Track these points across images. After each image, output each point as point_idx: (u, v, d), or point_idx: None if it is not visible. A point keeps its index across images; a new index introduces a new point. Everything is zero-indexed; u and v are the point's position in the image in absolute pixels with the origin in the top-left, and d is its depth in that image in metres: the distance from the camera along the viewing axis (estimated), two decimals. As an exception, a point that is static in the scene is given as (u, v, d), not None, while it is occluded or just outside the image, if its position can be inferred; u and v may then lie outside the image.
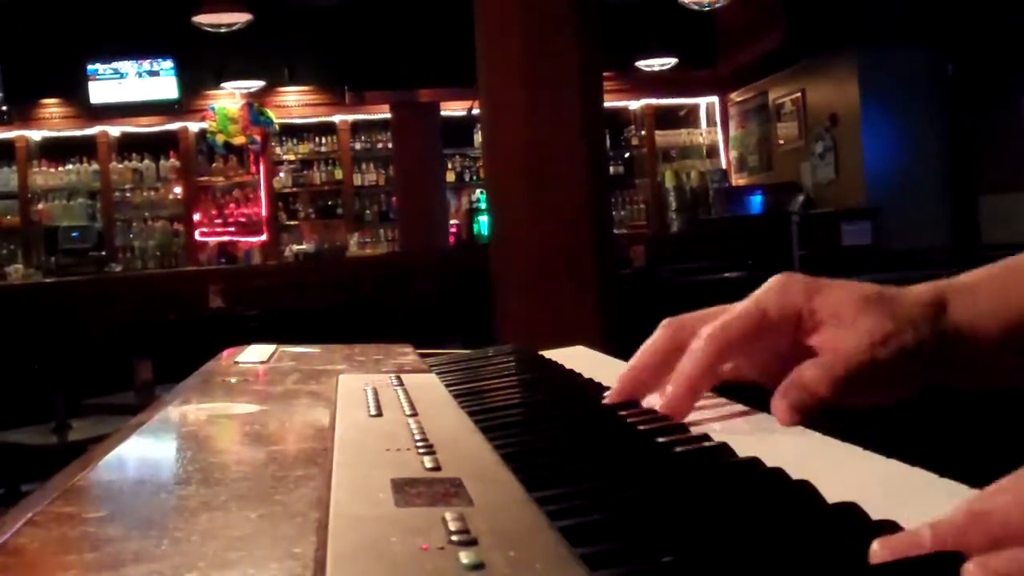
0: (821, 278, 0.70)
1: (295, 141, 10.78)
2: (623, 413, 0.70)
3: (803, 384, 0.65)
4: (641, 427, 0.66)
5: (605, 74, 5.45)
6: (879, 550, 0.40)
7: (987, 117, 8.10)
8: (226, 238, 10.51)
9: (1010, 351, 0.68)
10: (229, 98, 10.17)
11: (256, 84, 10.01)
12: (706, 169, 11.26)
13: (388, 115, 10.38)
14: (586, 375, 0.89)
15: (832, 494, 0.48)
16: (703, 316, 0.73)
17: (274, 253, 10.44)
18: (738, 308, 0.70)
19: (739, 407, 0.71)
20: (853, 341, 0.66)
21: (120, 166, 10.40)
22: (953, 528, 0.40)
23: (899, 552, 0.40)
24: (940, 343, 0.67)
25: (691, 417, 0.68)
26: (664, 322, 0.75)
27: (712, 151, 11.46)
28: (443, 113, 10.24)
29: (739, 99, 10.96)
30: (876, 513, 0.45)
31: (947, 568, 0.38)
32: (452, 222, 10.75)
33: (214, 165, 10.55)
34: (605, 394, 0.75)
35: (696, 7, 8.26)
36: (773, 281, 0.70)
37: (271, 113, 10.22)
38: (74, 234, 9.82)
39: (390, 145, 10.58)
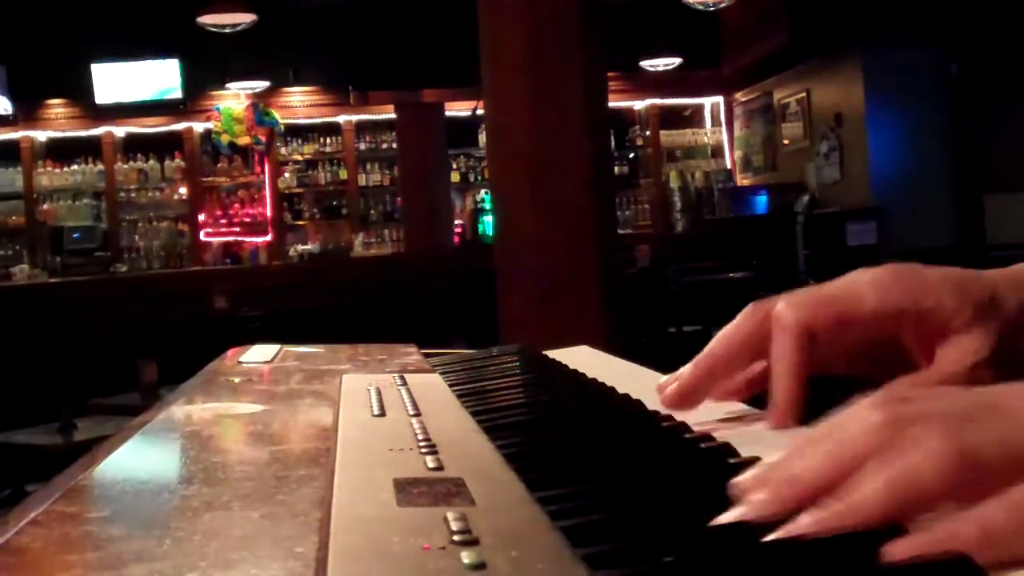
0: (933, 270, 0.64)
1: (300, 141, 10.79)
2: (624, 413, 0.70)
3: None
4: (643, 427, 0.66)
5: (610, 74, 5.45)
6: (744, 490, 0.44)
7: (992, 117, 8.08)
8: (231, 238, 10.53)
9: None
10: (234, 98, 10.18)
11: (261, 84, 10.02)
12: (711, 169, 11.26)
13: (393, 115, 10.38)
14: (590, 375, 0.89)
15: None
16: (792, 297, 0.66)
17: (279, 253, 10.44)
18: (831, 289, 0.64)
19: (740, 406, 0.71)
20: (957, 359, 0.61)
21: (125, 166, 10.42)
22: (770, 493, 0.43)
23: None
24: None
25: (693, 417, 0.68)
26: (749, 307, 0.68)
27: (717, 151, 11.45)
28: (448, 113, 10.25)
29: (744, 99, 10.95)
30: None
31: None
32: (457, 222, 10.75)
33: (219, 165, 10.56)
34: (666, 383, 0.69)
35: (701, 7, 8.26)
36: (883, 271, 0.64)
37: (276, 113, 10.23)
38: (76, 235, 9.83)
39: (395, 145, 10.59)
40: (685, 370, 0.68)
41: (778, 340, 0.63)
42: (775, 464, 0.45)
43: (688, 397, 0.68)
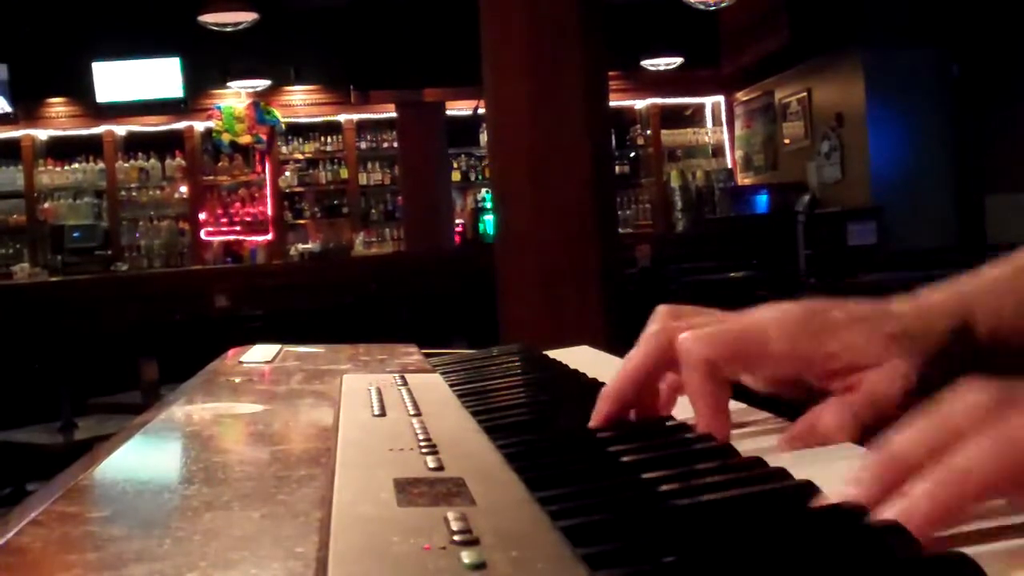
0: (841, 310, 0.64)
1: (301, 140, 10.79)
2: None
3: (821, 431, 0.61)
4: (643, 427, 0.66)
5: (610, 73, 5.45)
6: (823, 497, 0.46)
7: (993, 117, 8.08)
8: (232, 237, 10.53)
9: None
10: (235, 97, 10.18)
11: (262, 83, 10.02)
12: (712, 169, 11.25)
13: (394, 114, 10.38)
14: (591, 375, 0.89)
15: (835, 494, 0.48)
16: (697, 313, 0.68)
17: (279, 252, 10.44)
18: (740, 324, 0.65)
19: (742, 406, 0.71)
20: (884, 385, 0.62)
21: (126, 165, 10.41)
22: (870, 476, 0.45)
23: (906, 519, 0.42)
24: (972, 361, 0.64)
25: (694, 417, 0.68)
26: (657, 312, 0.69)
27: (718, 151, 11.44)
28: (448, 112, 10.25)
29: (745, 99, 10.95)
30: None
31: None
32: (457, 221, 10.75)
33: (220, 164, 10.56)
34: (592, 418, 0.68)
35: (701, 6, 8.25)
36: (788, 315, 0.64)
37: (277, 112, 10.23)
38: (76, 234, 9.83)
39: (395, 144, 10.58)
40: (599, 401, 0.68)
41: (688, 376, 0.64)
42: (918, 450, 0.45)
43: (608, 422, 0.67)
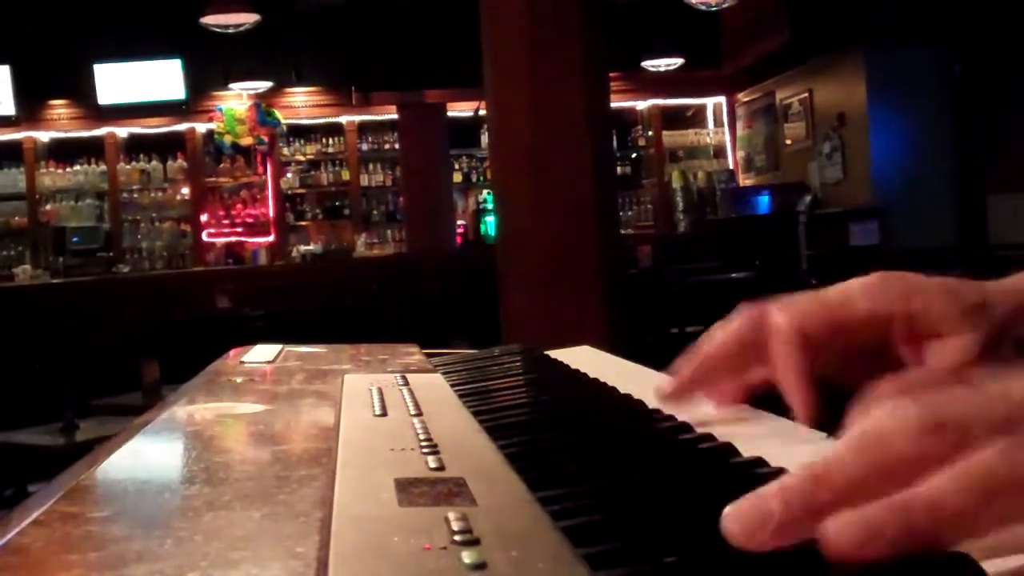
0: (922, 277, 0.65)
1: (302, 142, 10.80)
2: (626, 413, 0.70)
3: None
4: (644, 427, 0.66)
5: (611, 74, 5.45)
6: (731, 523, 0.40)
7: (995, 117, 8.08)
8: (233, 239, 10.53)
9: None
10: (236, 99, 10.18)
11: (263, 85, 10.02)
12: (713, 169, 11.25)
13: (395, 116, 10.38)
14: (592, 375, 0.89)
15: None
16: (785, 302, 0.67)
17: (281, 254, 10.45)
18: (824, 295, 0.65)
19: (743, 407, 0.71)
20: (944, 358, 0.62)
21: (128, 167, 10.42)
22: (799, 493, 0.40)
23: (751, 528, 0.40)
24: None
25: (696, 417, 0.68)
26: (744, 310, 0.69)
27: (719, 151, 11.44)
28: (450, 114, 10.25)
29: (746, 99, 10.95)
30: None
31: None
32: (459, 222, 10.76)
33: (221, 166, 10.56)
34: (666, 382, 0.70)
35: (702, 7, 8.25)
36: (873, 277, 0.65)
37: (278, 114, 10.23)
38: (77, 236, 9.83)
39: (397, 146, 10.59)
40: (681, 366, 0.68)
41: (779, 349, 0.64)
42: (803, 469, 0.43)
43: (684, 392, 0.69)
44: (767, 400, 0.67)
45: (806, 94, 9.58)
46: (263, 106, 10.12)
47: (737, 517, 0.40)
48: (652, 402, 0.72)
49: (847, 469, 0.40)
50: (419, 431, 0.61)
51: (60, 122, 10.13)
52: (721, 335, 0.68)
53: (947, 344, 0.63)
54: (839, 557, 0.38)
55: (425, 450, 0.56)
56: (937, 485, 0.38)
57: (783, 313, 0.64)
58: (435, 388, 0.81)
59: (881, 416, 0.42)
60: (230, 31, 8.39)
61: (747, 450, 0.58)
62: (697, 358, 0.68)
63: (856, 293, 0.64)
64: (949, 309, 0.63)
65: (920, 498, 0.38)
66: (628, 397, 0.75)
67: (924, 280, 0.65)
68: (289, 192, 10.77)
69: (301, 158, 10.81)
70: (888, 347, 0.64)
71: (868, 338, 0.64)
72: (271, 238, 10.55)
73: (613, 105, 5.47)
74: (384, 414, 0.68)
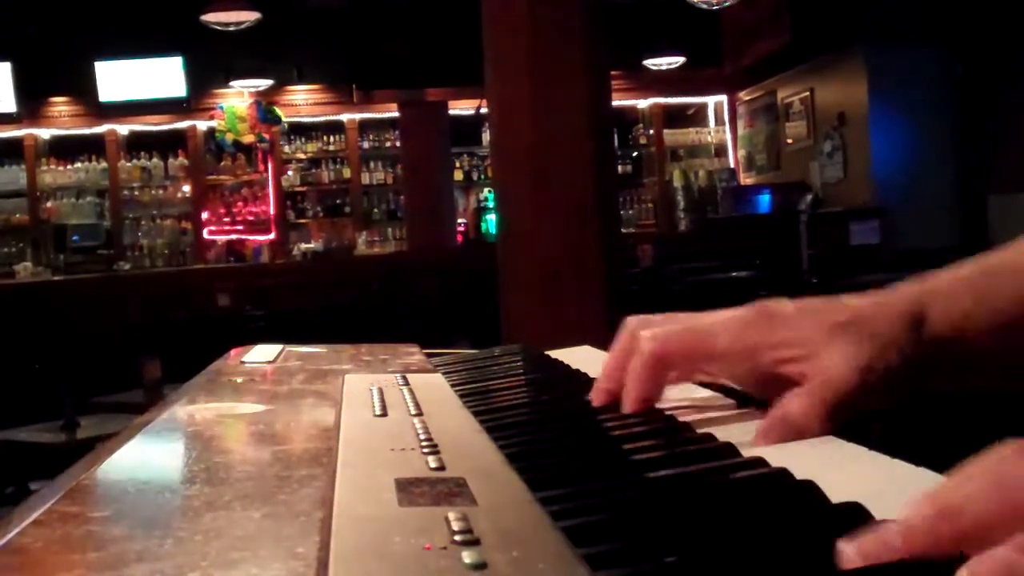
0: (792, 304, 0.68)
1: (303, 140, 10.79)
2: (626, 413, 0.70)
3: (791, 419, 0.63)
4: (645, 427, 0.66)
5: (613, 73, 5.45)
6: (850, 552, 0.39)
7: (996, 116, 8.07)
8: (234, 236, 10.53)
9: (993, 354, 0.67)
10: (238, 96, 10.18)
11: (264, 83, 10.02)
12: (714, 168, 11.24)
13: (396, 114, 10.38)
14: (592, 375, 0.89)
15: (836, 494, 0.48)
16: (664, 319, 0.74)
17: (282, 252, 10.45)
18: (692, 324, 0.71)
19: (744, 407, 0.71)
20: (836, 368, 0.64)
21: (129, 164, 10.41)
22: (923, 526, 0.39)
23: (872, 556, 0.39)
24: (923, 354, 0.65)
25: (696, 417, 0.68)
26: (624, 323, 0.76)
27: (720, 150, 11.44)
28: (451, 112, 10.25)
29: (747, 98, 10.94)
30: (880, 514, 0.45)
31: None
32: (460, 221, 10.76)
33: (222, 163, 10.56)
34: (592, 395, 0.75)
35: (704, 6, 8.25)
36: (741, 312, 0.69)
37: (279, 112, 10.23)
38: (78, 234, 9.84)
39: (398, 144, 10.59)
40: (596, 384, 0.75)
41: (633, 363, 0.70)
42: (930, 500, 0.41)
43: (608, 400, 0.74)
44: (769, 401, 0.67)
45: (807, 93, 9.57)
46: (264, 104, 10.12)
47: (859, 554, 0.39)
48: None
49: (980, 512, 0.39)
50: (419, 431, 0.61)
51: (61, 119, 10.13)
52: (612, 355, 0.74)
53: (831, 353, 0.64)
54: None
55: (425, 450, 0.56)
56: None
57: (647, 339, 0.71)
58: (435, 388, 0.81)
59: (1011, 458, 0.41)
60: (231, 29, 8.39)
61: (747, 450, 0.58)
62: (602, 377, 0.74)
63: (720, 328, 0.69)
64: (817, 329, 0.65)
65: None
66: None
67: (788, 309, 0.68)
68: (290, 190, 10.77)
69: (302, 156, 10.81)
70: (763, 370, 0.67)
71: (737, 367, 0.69)
72: (272, 236, 10.55)
73: (614, 103, 5.47)
74: (384, 414, 0.68)
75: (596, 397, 0.74)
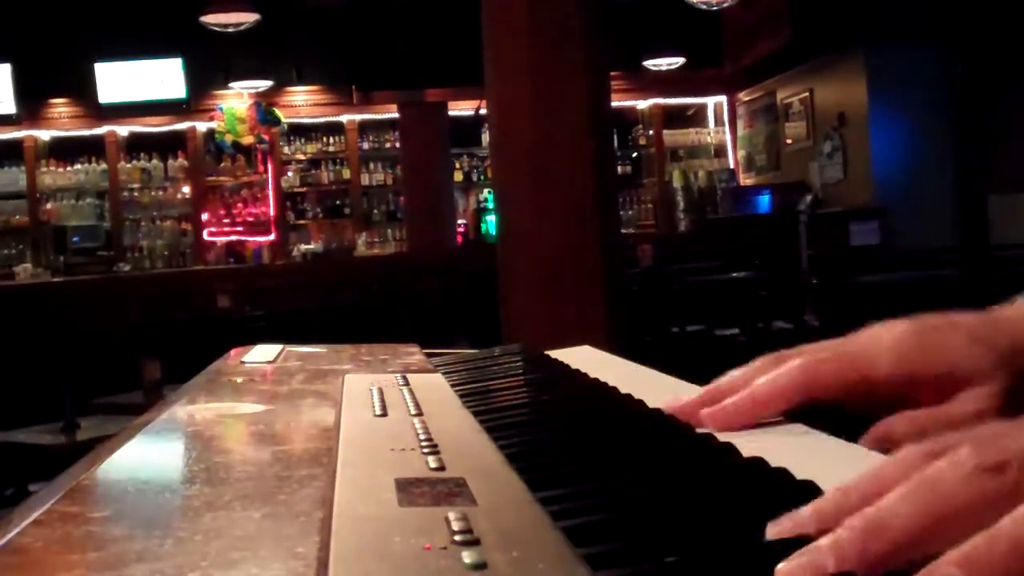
0: (958, 327, 0.63)
1: (303, 141, 10.80)
2: (626, 413, 0.70)
3: (893, 441, 0.59)
4: (645, 427, 0.66)
5: (613, 73, 5.45)
6: (771, 531, 0.41)
7: (996, 116, 8.07)
8: (234, 238, 10.53)
9: None
10: (237, 98, 10.18)
11: (264, 84, 10.02)
12: (714, 169, 11.25)
13: (396, 115, 10.38)
14: (593, 375, 0.89)
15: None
16: (809, 349, 0.66)
17: (282, 253, 10.45)
18: (847, 348, 0.64)
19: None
20: (978, 400, 0.60)
21: (128, 166, 10.42)
22: (854, 546, 0.39)
23: (785, 533, 0.40)
24: None
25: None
26: (764, 358, 0.68)
27: (720, 151, 11.44)
28: (451, 113, 10.25)
29: (747, 99, 10.95)
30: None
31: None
32: (460, 222, 10.76)
33: (222, 165, 10.56)
34: (669, 404, 0.68)
35: (704, 6, 8.25)
36: (903, 333, 0.63)
37: (279, 113, 10.23)
38: (78, 235, 9.84)
39: (398, 145, 10.59)
40: (695, 395, 0.67)
41: (777, 374, 0.63)
42: (850, 497, 0.41)
43: (686, 420, 0.66)
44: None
45: (807, 94, 9.58)
46: (264, 105, 10.12)
47: (790, 574, 0.39)
48: (653, 402, 0.72)
49: (903, 520, 0.39)
50: (419, 431, 0.61)
51: (61, 121, 10.13)
52: (739, 373, 0.67)
53: (972, 393, 0.61)
54: None
55: (425, 450, 0.56)
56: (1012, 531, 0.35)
57: (803, 357, 0.64)
58: (435, 388, 0.81)
59: (910, 456, 0.41)
60: (230, 30, 8.39)
61: (748, 451, 0.58)
62: (709, 391, 0.67)
63: (884, 351, 0.62)
64: (980, 364, 0.61)
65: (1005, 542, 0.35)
66: (629, 397, 0.75)
67: (958, 335, 0.62)
68: (290, 191, 10.77)
69: (302, 157, 10.81)
70: (909, 398, 0.63)
71: (891, 394, 0.63)
72: (272, 237, 10.55)
73: (614, 104, 5.47)
74: (384, 414, 0.68)
75: (681, 414, 0.66)
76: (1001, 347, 0.62)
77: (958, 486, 0.39)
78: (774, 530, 0.42)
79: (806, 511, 0.42)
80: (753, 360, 0.67)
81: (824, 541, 0.39)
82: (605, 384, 0.82)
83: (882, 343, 0.63)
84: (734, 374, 0.67)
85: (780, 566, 0.39)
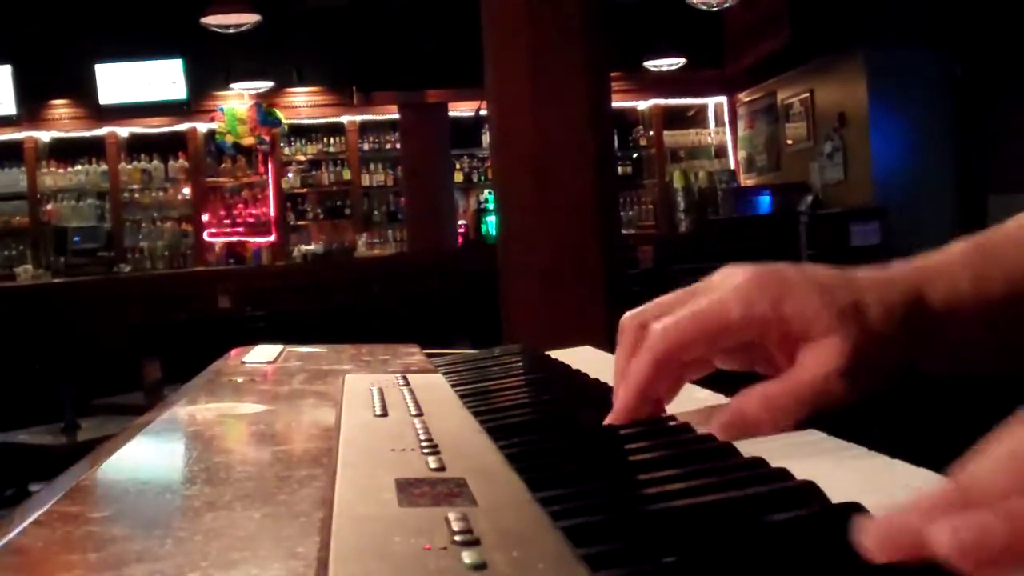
0: (800, 274, 0.65)
1: (303, 142, 10.79)
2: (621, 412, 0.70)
3: (748, 423, 0.62)
4: (644, 427, 0.66)
5: (613, 74, 5.45)
6: (866, 532, 0.38)
7: (995, 117, 8.07)
8: (235, 238, 10.53)
9: (986, 334, 0.66)
10: (238, 99, 10.18)
11: (264, 85, 10.02)
12: (714, 169, 11.24)
13: (396, 116, 10.38)
14: (593, 375, 0.89)
15: (836, 494, 0.48)
16: (660, 307, 0.69)
17: (282, 254, 10.45)
18: (699, 304, 0.66)
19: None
20: (822, 368, 0.62)
21: (129, 167, 10.41)
22: (940, 506, 0.37)
23: (888, 539, 0.38)
24: (916, 336, 0.64)
25: (696, 418, 0.68)
26: (621, 324, 0.71)
27: (720, 151, 11.44)
28: (451, 113, 10.25)
29: (747, 99, 10.95)
30: (880, 514, 0.45)
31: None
32: (460, 222, 10.76)
33: (223, 166, 10.56)
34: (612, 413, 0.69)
35: (704, 7, 8.25)
36: (748, 279, 0.65)
37: (280, 114, 10.23)
38: (76, 238, 9.84)
39: (398, 146, 10.59)
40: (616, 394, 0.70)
41: (639, 357, 0.66)
42: (945, 484, 0.40)
43: (629, 414, 0.68)
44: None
45: (807, 94, 9.57)
46: (264, 106, 10.12)
47: (876, 531, 0.38)
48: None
49: (994, 488, 0.37)
50: (420, 431, 0.61)
51: (61, 122, 10.13)
52: (618, 356, 0.70)
53: (814, 352, 0.63)
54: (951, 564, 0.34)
55: (426, 450, 0.56)
56: None
57: (660, 331, 0.66)
58: (436, 388, 0.81)
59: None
60: (231, 31, 8.39)
61: (749, 450, 0.58)
62: (621, 384, 0.69)
63: (731, 297, 0.65)
64: (820, 313, 0.63)
65: None
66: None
67: (799, 279, 0.65)
68: (290, 192, 10.77)
69: (302, 158, 10.81)
70: (764, 346, 0.65)
71: (744, 338, 0.65)
72: (272, 238, 10.55)
73: (614, 105, 5.47)
74: (385, 414, 0.68)
75: (619, 409, 0.68)
76: (841, 301, 0.64)
77: None
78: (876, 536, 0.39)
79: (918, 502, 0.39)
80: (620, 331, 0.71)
81: (911, 503, 0.38)
82: (605, 384, 0.82)
83: (727, 290, 0.65)
84: (617, 358, 0.71)
85: (863, 522, 0.38)
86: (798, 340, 0.64)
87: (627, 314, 0.72)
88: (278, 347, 1.09)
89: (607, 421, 0.67)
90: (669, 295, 0.70)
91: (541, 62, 4.45)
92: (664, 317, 0.67)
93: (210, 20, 8.29)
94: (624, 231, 7.54)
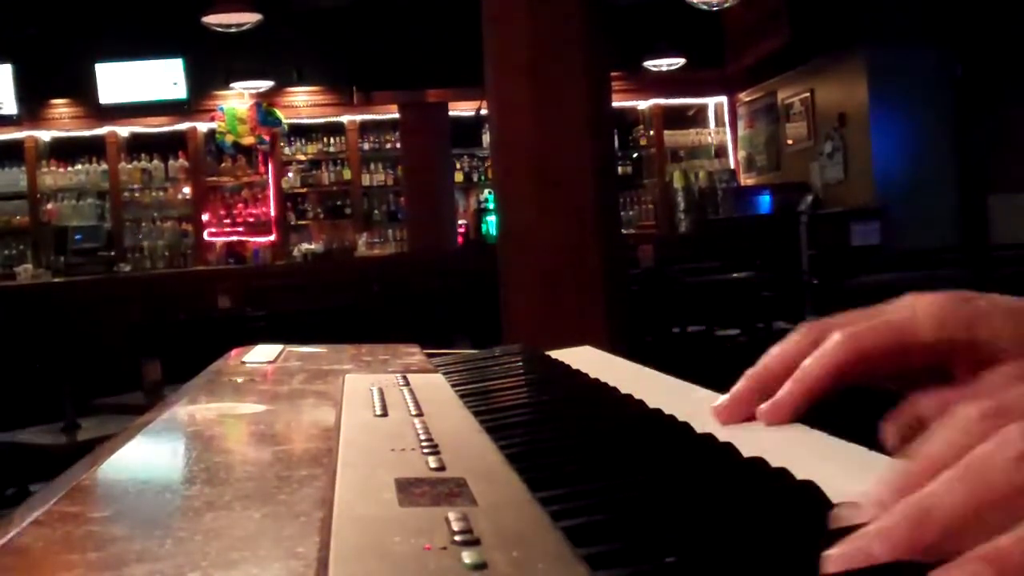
0: (990, 299, 0.61)
1: (304, 141, 10.80)
2: (626, 414, 0.70)
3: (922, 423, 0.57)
4: (645, 427, 0.66)
5: (613, 74, 5.45)
6: (831, 562, 0.39)
7: (996, 116, 8.07)
8: (235, 238, 10.54)
9: None
10: (238, 98, 10.19)
11: (265, 84, 10.03)
12: (714, 169, 11.25)
13: (396, 115, 10.39)
14: (593, 375, 0.89)
15: (837, 495, 0.48)
16: (846, 318, 0.64)
17: (283, 253, 10.45)
18: (888, 316, 0.62)
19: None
20: (991, 382, 0.57)
21: (129, 166, 10.42)
22: (900, 534, 0.38)
23: (853, 564, 0.38)
24: None
25: (696, 417, 0.68)
26: (803, 326, 0.66)
27: (721, 151, 11.44)
28: (451, 113, 10.26)
29: (748, 99, 10.95)
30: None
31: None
32: (460, 222, 10.76)
33: (223, 165, 10.57)
34: (717, 402, 0.66)
35: (704, 7, 8.25)
36: (941, 300, 0.61)
37: (280, 113, 10.24)
38: (79, 236, 9.85)
39: (398, 145, 10.59)
40: (738, 383, 0.66)
41: (820, 357, 0.62)
42: (907, 479, 0.41)
43: (739, 409, 0.65)
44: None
45: (807, 94, 9.58)
46: (264, 105, 10.12)
47: (840, 562, 0.38)
48: (653, 402, 0.72)
49: (948, 508, 0.38)
50: (420, 431, 0.61)
51: (61, 121, 10.13)
52: (779, 350, 0.65)
53: (1001, 371, 0.58)
54: None
55: (426, 450, 0.56)
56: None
57: (848, 333, 0.62)
58: (436, 388, 0.81)
59: (956, 431, 0.41)
60: (231, 31, 8.40)
61: (749, 450, 0.58)
62: (754, 375, 0.65)
63: (922, 317, 0.61)
64: (1016, 337, 0.60)
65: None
66: (629, 397, 0.75)
67: (990, 304, 0.61)
68: (290, 191, 10.78)
69: (302, 157, 10.82)
70: (946, 370, 0.61)
71: (929, 362, 0.61)
72: (272, 237, 10.55)
73: (615, 105, 5.48)
74: (385, 414, 0.68)
75: (780, 404, 0.63)
76: None
77: (1005, 473, 0.38)
78: (839, 522, 0.42)
79: (869, 499, 0.42)
80: (790, 335, 0.66)
81: (872, 528, 0.39)
82: (605, 384, 0.82)
83: (921, 309, 0.62)
84: (773, 353, 0.65)
85: (829, 551, 0.39)
86: (986, 365, 0.59)
87: (808, 322, 0.66)
88: (278, 347, 1.09)
89: (763, 416, 0.63)
90: (851, 312, 0.65)
91: (541, 62, 4.46)
92: (852, 325, 0.62)
93: (210, 20, 8.29)
94: (624, 231, 7.55)
